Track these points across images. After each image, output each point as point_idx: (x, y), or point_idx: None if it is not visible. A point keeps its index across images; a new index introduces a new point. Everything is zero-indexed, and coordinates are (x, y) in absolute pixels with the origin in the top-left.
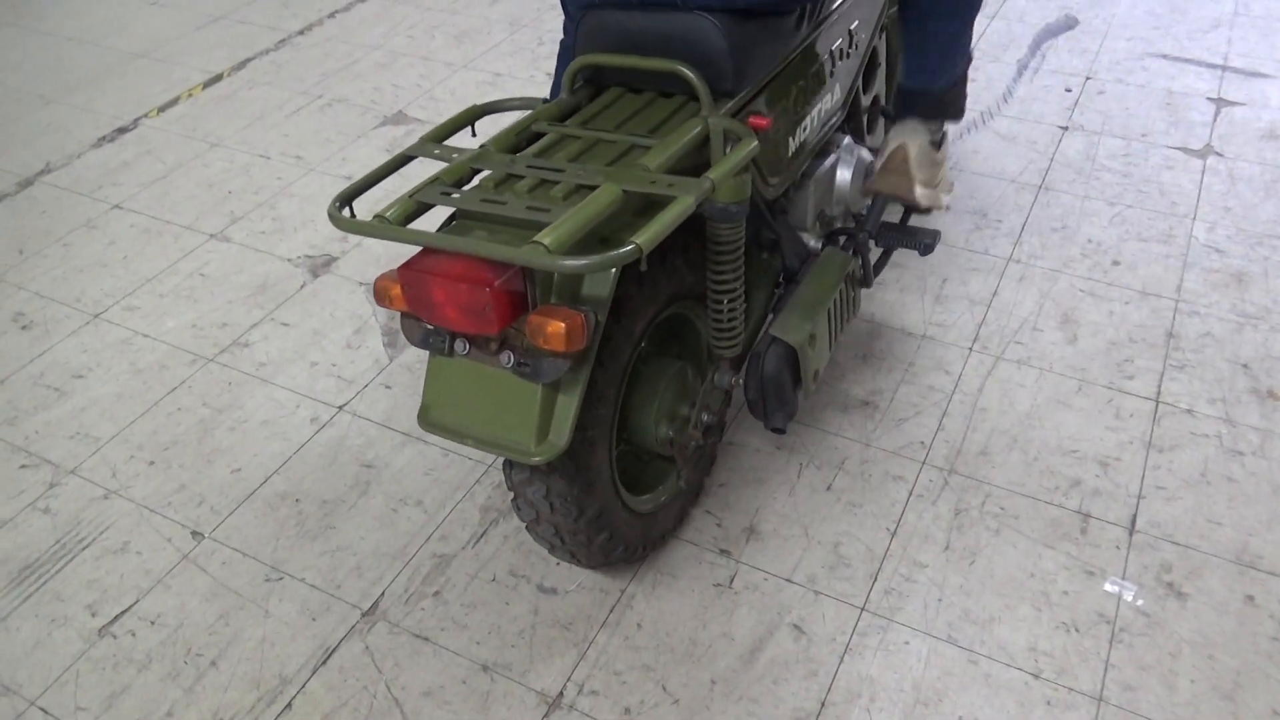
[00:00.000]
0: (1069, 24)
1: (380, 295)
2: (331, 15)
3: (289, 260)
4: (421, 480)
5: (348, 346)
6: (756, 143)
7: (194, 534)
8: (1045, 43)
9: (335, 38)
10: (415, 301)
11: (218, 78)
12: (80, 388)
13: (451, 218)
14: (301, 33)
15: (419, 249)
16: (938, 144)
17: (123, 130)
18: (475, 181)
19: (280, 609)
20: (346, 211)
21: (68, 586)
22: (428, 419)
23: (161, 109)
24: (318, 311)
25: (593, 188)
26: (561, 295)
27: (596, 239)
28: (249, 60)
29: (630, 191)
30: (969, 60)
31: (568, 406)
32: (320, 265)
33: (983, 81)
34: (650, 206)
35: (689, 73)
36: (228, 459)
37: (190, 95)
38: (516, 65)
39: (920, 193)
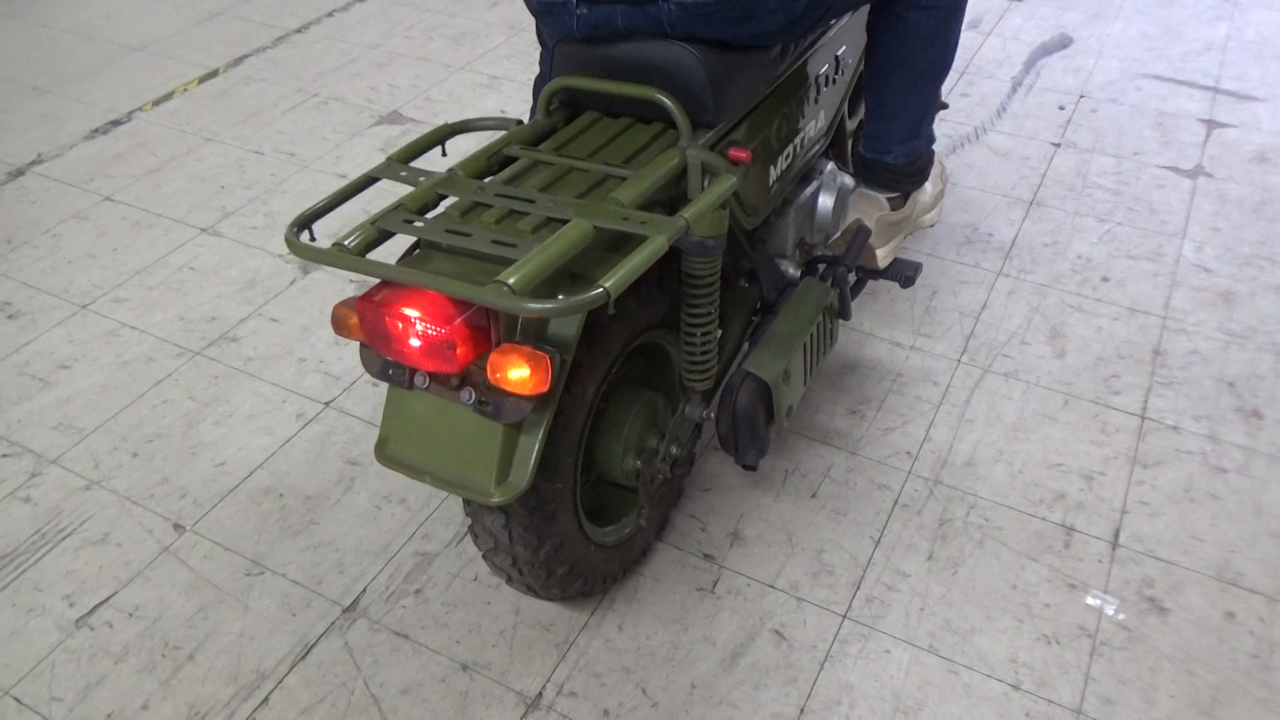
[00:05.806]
0: (1063, 43)
1: (338, 324)
2: (330, 14)
3: (280, 256)
4: (406, 478)
5: (336, 343)
6: (734, 180)
7: (175, 527)
8: (1039, 60)
9: (333, 36)
10: (373, 334)
11: (214, 73)
12: (65, 378)
13: (414, 246)
14: (299, 31)
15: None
16: (898, 205)
17: (116, 123)
18: (441, 208)
19: (260, 604)
20: (305, 235)
21: (46, 576)
22: (385, 453)
23: (156, 103)
24: (307, 308)
25: (563, 221)
26: (527, 334)
27: (566, 275)
28: (246, 57)
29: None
30: (931, 140)
31: (529, 447)
32: (311, 262)
33: (977, 97)
34: (623, 240)
35: (668, 101)
36: (212, 453)
37: (185, 90)
38: (514, 69)
39: (881, 256)
